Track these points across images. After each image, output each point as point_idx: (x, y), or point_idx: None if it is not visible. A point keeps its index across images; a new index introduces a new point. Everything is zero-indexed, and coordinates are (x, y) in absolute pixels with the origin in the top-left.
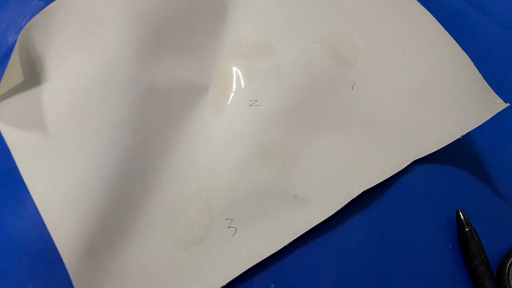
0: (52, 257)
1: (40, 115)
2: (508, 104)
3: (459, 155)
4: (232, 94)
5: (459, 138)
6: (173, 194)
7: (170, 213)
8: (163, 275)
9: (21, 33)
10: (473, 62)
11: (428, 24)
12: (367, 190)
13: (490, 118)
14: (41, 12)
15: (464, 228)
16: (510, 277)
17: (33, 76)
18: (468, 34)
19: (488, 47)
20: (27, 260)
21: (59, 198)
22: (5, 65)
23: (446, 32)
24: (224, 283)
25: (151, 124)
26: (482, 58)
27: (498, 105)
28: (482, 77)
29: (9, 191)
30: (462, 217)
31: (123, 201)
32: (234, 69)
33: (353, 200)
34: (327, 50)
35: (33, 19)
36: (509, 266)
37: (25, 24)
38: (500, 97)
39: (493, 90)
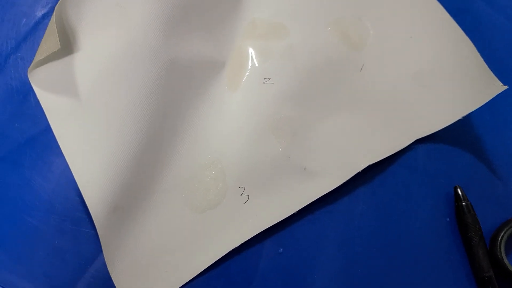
0: (77, 216)
1: (72, 81)
2: (506, 87)
3: (459, 135)
4: (247, 72)
5: (459, 119)
6: (190, 162)
7: (188, 179)
8: (181, 236)
9: (57, 5)
10: (481, 44)
11: (434, 11)
12: (372, 165)
13: (491, 101)
14: None
15: (461, 202)
16: (501, 248)
17: (66, 45)
18: (473, 22)
19: (491, 36)
20: (53, 218)
21: (89, 158)
22: (33, 37)
23: (450, 18)
24: (237, 245)
25: (172, 95)
26: (485, 45)
27: (498, 87)
28: (483, 61)
29: (37, 155)
30: (459, 192)
31: (147, 165)
32: (249, 48)
33: (358, 174)
34: (338, 33)
35: None
36: (501, 238)
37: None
38: (501, 81)
39: (500, 71)
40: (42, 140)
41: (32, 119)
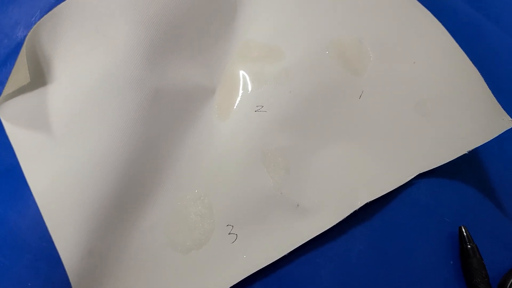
0: (52, 256)
1: (45, 115)
2: None
3: (465, 170)
4: (238, 99)
5: (465, 154)
6: (175, 198)
7: (172, 216)
8: (162, 280)
9: (29, 34)
10: (483, 74)
11: (440, 36)
12: (370, 201)
13: (498, 136)
14: (49, 13)
15: (466, 244)
16: None
17: (40, 76)
18: (480, 45)
19: (500, 60)
20: (27, 258)
21: (61, 199)
22: (14, 60)
23: (457, 45)
24: None
25: (156, 126)
26: (493, 70)
27: (506, 123)
28: (491, 93)
29: (12, 188)
30: (464, 234)
31: (125, 203)
32: (242, 73)
33: (355, 211)
34: (336, 56)
35: (41, 19)
36: (510, 286)
37: (35, 20)
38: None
39: (503, 104)
40: (17, 172)
41: (7, 150)
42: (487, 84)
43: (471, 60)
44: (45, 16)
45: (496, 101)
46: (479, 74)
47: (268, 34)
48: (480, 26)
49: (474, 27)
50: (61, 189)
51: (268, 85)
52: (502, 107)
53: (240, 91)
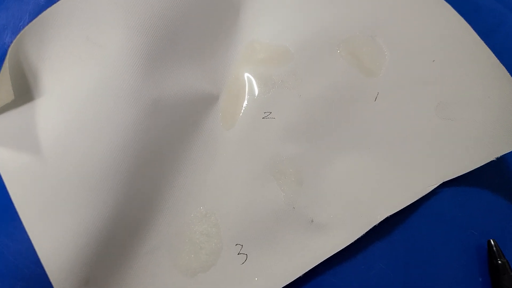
0: (47, 283)
1: (33, 134)
2: None
3: (492, 177)
4: (244, 105)
5: (493, 160)
6: (179, 217)
7: (176, 237)
8: None
9: (12, 45)
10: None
11: (462, 31)
12: (390, 215)
13: None
14: (34, 20)
15: (497, 260)
16: None
17: (25, 91)
18: (508, 42)
19: None
20: (21, 286)
21: (53, 226)
22: None
23: (481, 41)
24: None
25: (156, 141)
26: None
27: None
28: None
29: (3, 212)
30: (494, 248)
31: (124, 227)
32: (247, 76)
33: (374, 226)
34: (349, 56)
35: (25, 28)
36: None
37: (23, 24)
38: None
39: None
40: (7, 194)
41: None
42: None
43: (498, 57)
44: (29, 24)
45: None
46: (507, 72)
47: (274, 33)
48: (505, 21)
49: (498, 22)
50: (52, 215)
51: (276, 89)
52: None
53: (246, 96)
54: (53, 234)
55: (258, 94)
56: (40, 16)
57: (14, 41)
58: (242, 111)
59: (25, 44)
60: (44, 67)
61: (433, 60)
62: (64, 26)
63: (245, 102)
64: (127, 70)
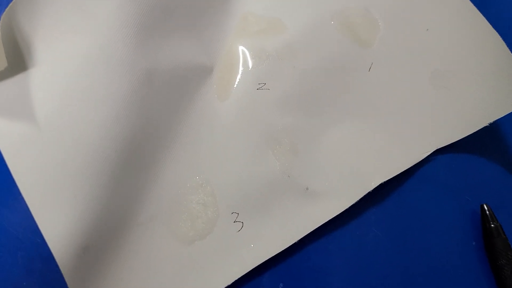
0: (47, 253)
1: (28, 103)
2: None
3: (486, 144)
4: (239, 77)
5: (486, 126)
6: (175, 187)
7: (172, 207)
8: (166, 272)
9: (4, 13)
10: (506, 41)
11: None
12: (385, 182)
13: None
14: None
15: (490, 224)
16: None
17: (19, 61)
18: (502, 9)
19: None
20: (21, 255)
21: (50, 194)
22: None
23: (475, 8)
24: (230, 281)
25: (151, 111)
26: None
27: None
28: None
29: (1, 184)
30: (487, 212)
31: (121, 195)
32: (241, 48)
33: (369, 193)
34: (343, 27)
35: None
36: None
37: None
38: None
39: None
40: (5, 165)
41: None
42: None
43: (491, 24)
44: None
45: None
46: (501, 39)
47: (268, 6)
48: None
49: None
50: (49, 183)
51: (270, 61)
52: None
53: (240, 68)
54: (51, 202)
55: (252, 66)
56: None
57: (6, 11)
58: (236, 82)
59: (18, 13)
60: (37, 37)
61: (427, 29)
62: None
63: (240, 74)
64: (120, 40)
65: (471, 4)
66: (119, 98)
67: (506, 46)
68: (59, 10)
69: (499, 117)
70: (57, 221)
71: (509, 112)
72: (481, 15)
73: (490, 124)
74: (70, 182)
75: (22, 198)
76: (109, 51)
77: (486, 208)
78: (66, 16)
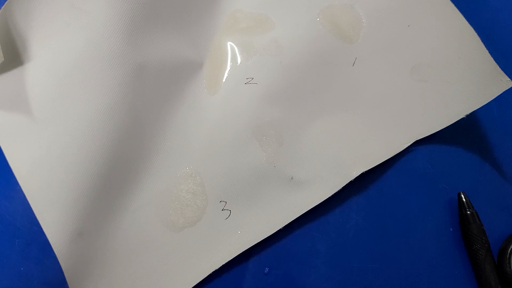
0: (44, 240)
1: (24, 96)
2: None
3: (463, 135)
4: (227, 72)
5: (463, 118)
6: (165, 176)
7: (163, 195)
8: (157, 258)
9: (0, 11)
10: (481, 35)
11: None
12: (367, 171)
13: (499, 97)
14: None
15: (466, 211)
16: (511, 261)
17: (15, 55)
18: (476, 5)
19: (498, 20)
20: (18, 243)
21: (45, 182)
22: None
23: (453, 5)
24: (218, 266)
25: (142, 103)
26: (491, 31)
27: (505, 83)
28: (489, 54)
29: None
30: (463, 200)
31: (114, 183)
32: (230, 44)
33: (351, 181)
34: (328, 24)
35: None
36: (511, 251)
37: None
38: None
39: (501, 64)
40: (3, 156)
41: None
42: (485, 45)
43: (468, 20)
44: None
45: (494, 61)
46: (476, 35)
47: (256, 3)
48: None
49: None
50: (45, 172)
51: (258, 56)
52: (500, 68)
53: (229, 64)
54: (46, 189)
55: (240, 61)
56: None
57: (2, 8)
58: (225, 77)
59: (13, 10)
60: (32, 33)
61: (408, 26)
62: None
63: (228, 69)
64: (112, 35)
65: (449, 2)
66: (112, 91)
67: (481, 41)
68: (52, 7)
69: (475, 109)
70: (52, 208)
71: (484, 104)
72: (458, 12)
73: (467, 116)
74: (64, 170)
75: (20, 188)
76: (101, 46)
77: (462, 196)
78: (60, 12)
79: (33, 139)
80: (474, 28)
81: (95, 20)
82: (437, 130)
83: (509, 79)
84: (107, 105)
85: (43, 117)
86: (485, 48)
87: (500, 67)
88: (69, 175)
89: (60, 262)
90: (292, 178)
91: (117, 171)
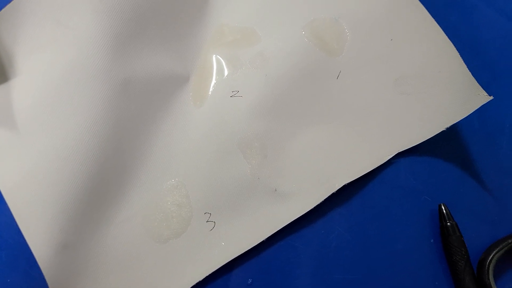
0: (30, 252)
1: (9, 111)
2: (491, 98)
3: (444, 147)
4: (214, 84)
5: (444, 130)
6: (151, 189)
7: (149, 207)
8: (141, 270)
9: None
10: (467, 50)
11: (416, 11)
12: (349, 183)
13: (479, 109)
14: (7, 6)
15: (446, 222)
16: (489, 273)
17: (1, 71)
18: (463, 20)
19: (485, 35)
20: (5, 254)
21: (30, 195)
22: None
23: (433, 21)
24: (202, 277)
25: (128, 117)
26: (478, 46)
27: (482, 98)
28: (467, 69)
29: None
30: (444, 211)
31: (99, 197)
32: (216, 58)
33: (334, 193)
34: (313, 38)
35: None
36: (490, 262)
37: None
38: (495, 87)
39: (488, 79)
40: None
41: None
42: (466, 59)
43: (448, 35)
44: (3, 9)
45: (472, 76)
46: (455, 49)
47: (242, 17)
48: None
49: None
50: (30, 186)
51: (244, 70)
52: (478, 82)
53: (215, 77)
54: (31, 203)
55: (226, 74)
56: (12, 2)
57: None
58: (211, 90)
59: (0, 27)
60: (19, 49)
61: (391, 39)
62: (35, 11)
63: (214, 82)
64: (97, 51)
65: (429, 16)
66: (96, 106)
67: (459, 56)
68: (39, 25)
69: (455, 121)
70: (37, 221)
71: (464, 117)
72: (438, 27)
73: (447, 128)
74: (49, 185)
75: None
76: (86, 62)
77: (443, 207)
78: (45, 29)
79: (18, 153)
80: (455, 43)
81: (81, 37)
82: (419, 142)
83: (486, 93)
84: (92, 120)
85: (28, 132)
86: (464, 63)
87: (483, 81)
88: (54, 188)
89: (44, 274)
90: (275, 190)
91: (103, 184)
